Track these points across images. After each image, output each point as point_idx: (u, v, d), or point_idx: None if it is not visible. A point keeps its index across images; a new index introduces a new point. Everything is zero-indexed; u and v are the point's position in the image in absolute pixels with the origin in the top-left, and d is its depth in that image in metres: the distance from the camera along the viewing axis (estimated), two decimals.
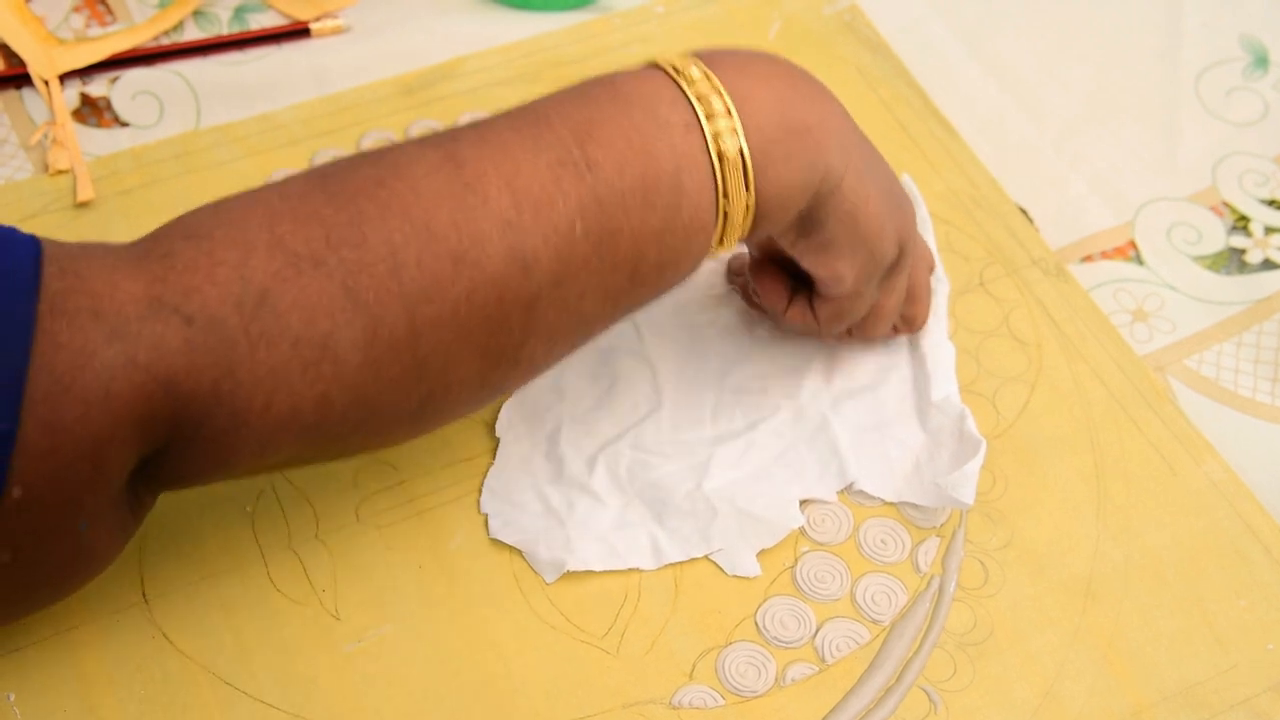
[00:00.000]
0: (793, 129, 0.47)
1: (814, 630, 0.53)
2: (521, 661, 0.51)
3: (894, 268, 0.53)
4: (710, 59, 0.47)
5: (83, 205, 0.62)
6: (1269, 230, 0.67)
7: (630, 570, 0.54)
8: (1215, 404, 0.61)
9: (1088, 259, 0.65)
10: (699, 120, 0.45)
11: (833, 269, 0.51)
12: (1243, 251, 0.66)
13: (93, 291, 0.39)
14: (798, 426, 0.57)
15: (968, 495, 0.54)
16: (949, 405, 0.57)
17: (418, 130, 0.66)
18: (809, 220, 0.49)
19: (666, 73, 0.46)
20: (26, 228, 0.59)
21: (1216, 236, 0.67)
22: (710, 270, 0.61)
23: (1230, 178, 0.69)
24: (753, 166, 0.46)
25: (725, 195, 0.46)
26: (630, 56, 0.70)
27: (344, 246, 0.41)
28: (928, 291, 0.58)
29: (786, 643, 0.53)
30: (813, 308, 0.54)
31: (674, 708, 0.51)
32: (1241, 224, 0.67)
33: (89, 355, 0.38)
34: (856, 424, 0.57)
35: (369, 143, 0.65)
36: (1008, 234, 0.65)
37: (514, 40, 0.70)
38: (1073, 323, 0.62)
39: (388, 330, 0.41)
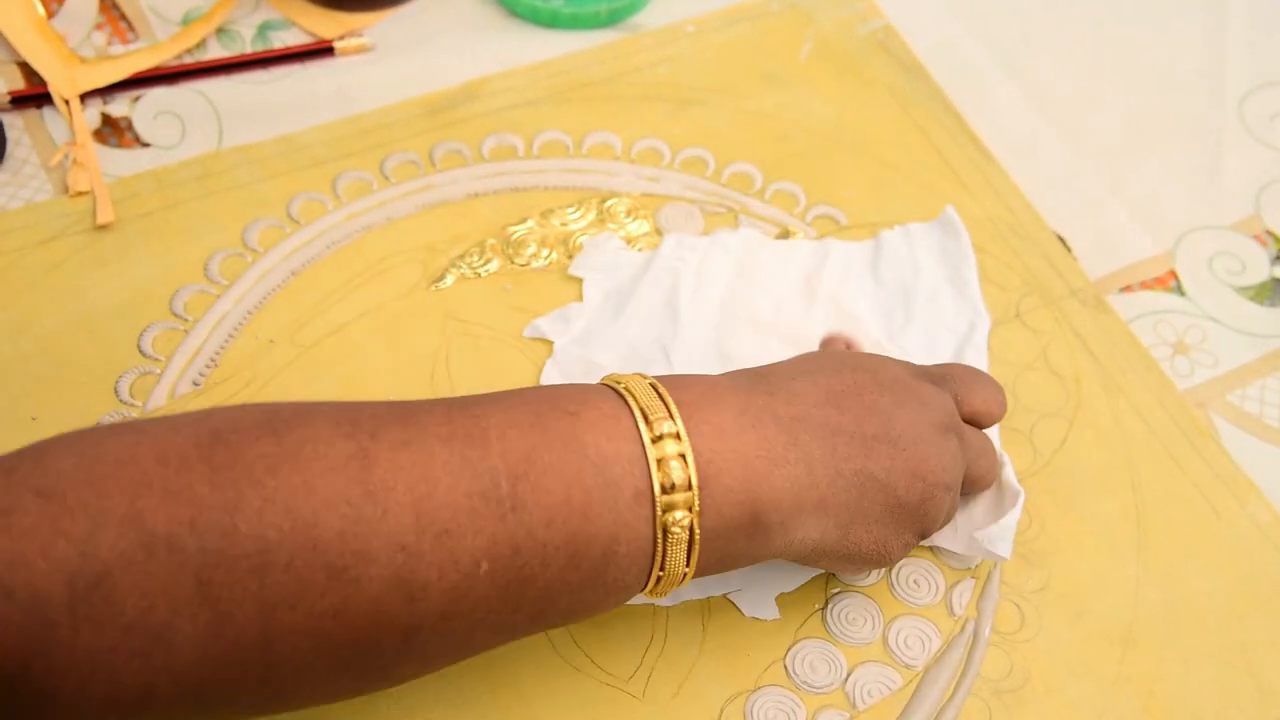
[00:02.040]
0: (755, 514, 0.43)
1: (845, 675, 0.51)
2: (546, 705, 0.50)
3: (946, 486, 0.48)
4: (691, 409, 0.43)
5: (103, 227, 0.61)
6: None
7: (655, 609, 0.52)
8: (1259, 441, 0.59)
9: (1127, 289, 0.64)
10: (652, 490, 0.41)
11: (855, 571, 0.49)
12: None
13: None
14: None
15: (1005, 549, 0.52)
16: None
17: (441, 153, 0.65)
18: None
19: (635, 418, 0.42)
20: (46, 250, 0.60)
21: (1260, 266, 0.65)
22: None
23: (1275, 205, 0.67)
24: (700, 546, 0.42)
25: (661, 567, 0.43)
26: (659, 77, 0.68)
27: (209, 534, 0.37)
28: (989, 445, 0.53)
29: (817, 688, 0.51)
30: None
31: None
32: None
33: None
34: None
35: (391, 166, 0.64)
36: (1045, 263, 0.63)
37: (540, 60, 0.69)
38: (1112, 356, 0.61)
39: (236, 631, 0.37)
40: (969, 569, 0.54)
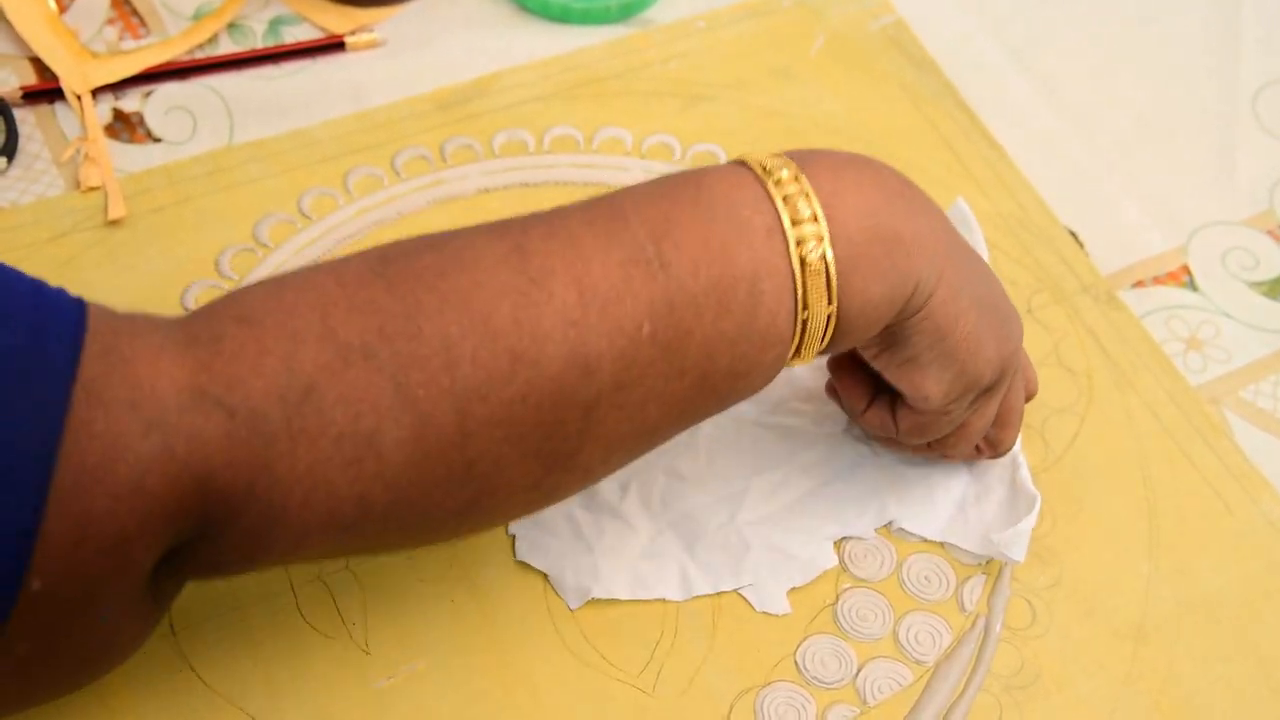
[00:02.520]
0: (883, 238, 0.44)
1: (855, 670, 0.51)
2: (556, 700, 0.50)
3: (989, 390, 0.49)
4: (803, 159, 0.45)
5: (114, 223, 0.61)
6: None
7: (665, 604, 0.52)
8: (1272, 437, 0.59)
9: (1139, 284, 0.64)
10: (782, 225, 0.43)
11: (918, 386, 0.48)
12: None
13: (134, 377, 0.37)
14: (837, 461, 0.55)
15: (1019, 553, 0.52)
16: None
17: (452, 149, 0.65)
18: (894, 335, 0.46)
19: (755, 171, 0.44)
20: (57, 246, 0.60)
21: (1273, 262, 0.65)
22: None
23: None
24: (836, 276, 0.43)
25: (804, 305, 0.43)
26: (670, 73, 0.68)
27: (398, 339, 0.39)
28: (1019, 416, 0.53)
29: (827, 683, 0.51)
30: (894, 413, 0.51)
31: None
32: None
33: (123, 447, 0.36)
34: (898, 460, 0.55)
35: (402, 161, 0.64)
36: (1057, 259, 0.63)
37: (551, 55, 0.69)
38: (1124, 352, 0.60)
39: (436, 429, 0.39)
40: (980, 564, 0.54)
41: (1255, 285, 0.64)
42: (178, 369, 0.37)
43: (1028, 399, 0.54)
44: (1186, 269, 0.64)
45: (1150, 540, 0.55)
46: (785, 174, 0.44)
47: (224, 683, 0.49)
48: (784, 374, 0.56)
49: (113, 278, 0.59)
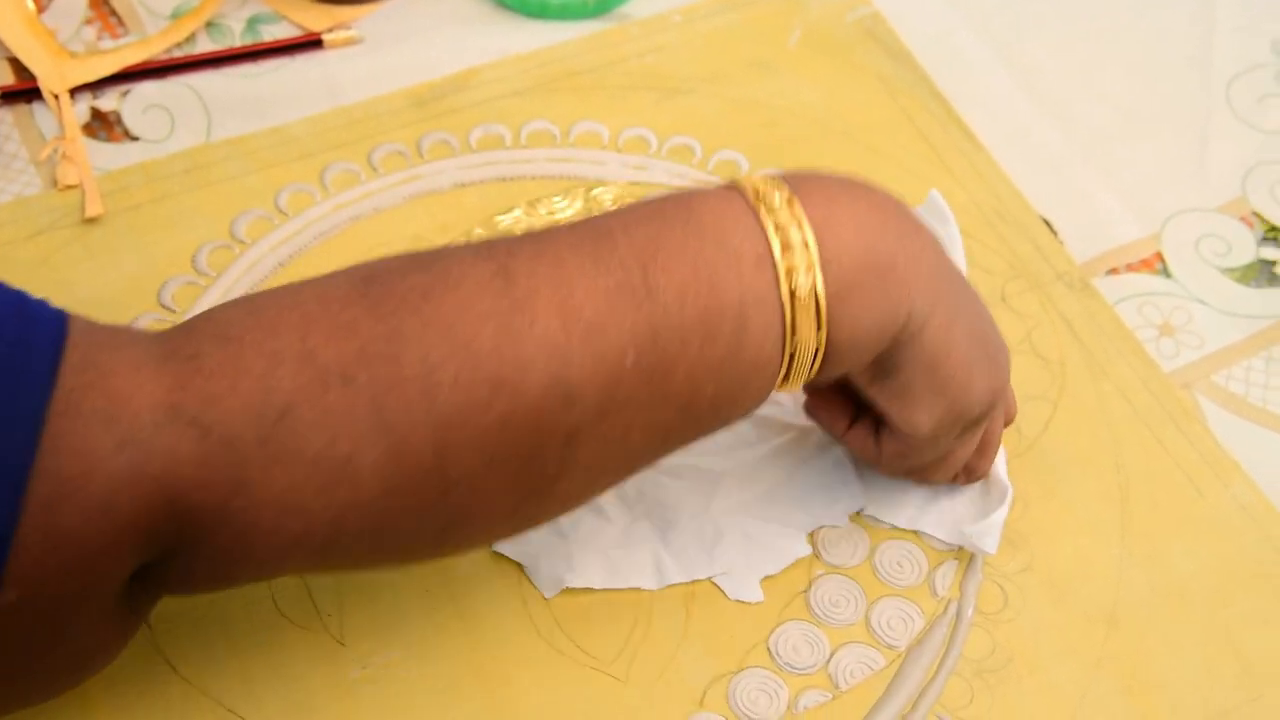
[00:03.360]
0: (876, 268, 0.43)
1: (828, 656, 0.52)
2: (530, 689, 0.50)
3: (977, 421, 0.49)
4: (797, 183, 0.44)
5: (91, 221, 0.61)
6: None
7: (639, 592, 0.53)
8: (1245, 422, 0.59)
9: (1113, 272, 0.64)
10: (772, 254, 0.42)
11: (908, 416, 0.47)
12: (1273, 263, 0.64)
13: (111, 391, 0.37)
14: (811, 449, 0.56)
15: (991, 545, 0.52)
16: None
17: (429, 144, 0.65)
18: (886, 364, 0.46)
19: (746, 197, 0.43)
20: (34, 244, 0.60)
21: (1246, 248, 0.65)
22: None
23: (1261, 187, 0.67)
24: (826, 307, 0.43)
25: (793, 334, 0.43)
26: (646, 66, 0.69)
27: (378, 362, 0.38)
28: (998, 443, 0.53)
29: (799, 669, 0.51)
30: (877, 437, 0.51)
31: None
32: (1272, 234, 0.65)
33: (97, 462, 0.36)
34: None
35: (379, 157, 0.64)
36: (1031, 247, 0.63)
37: (528, 50, 0.69)
38: (1097, 339, 0.61)
39: (413, 455, 0.39)
40: (952, 550, 0.54)
41: (1227, 271, 0.64)
42: (155, 385, 0.37)
43: (1006, 424, 0.54)
44: (1160, 256, 0.65)
45: (1122, 525, 0.55)
46: (778, 199, 0.43)
47: (200, 675, 0.50)
48: None
49: (90, 276, 0.59)
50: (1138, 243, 0.65)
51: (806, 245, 0.42)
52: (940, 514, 0.54)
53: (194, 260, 0.60)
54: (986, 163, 0.66)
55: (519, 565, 0.53)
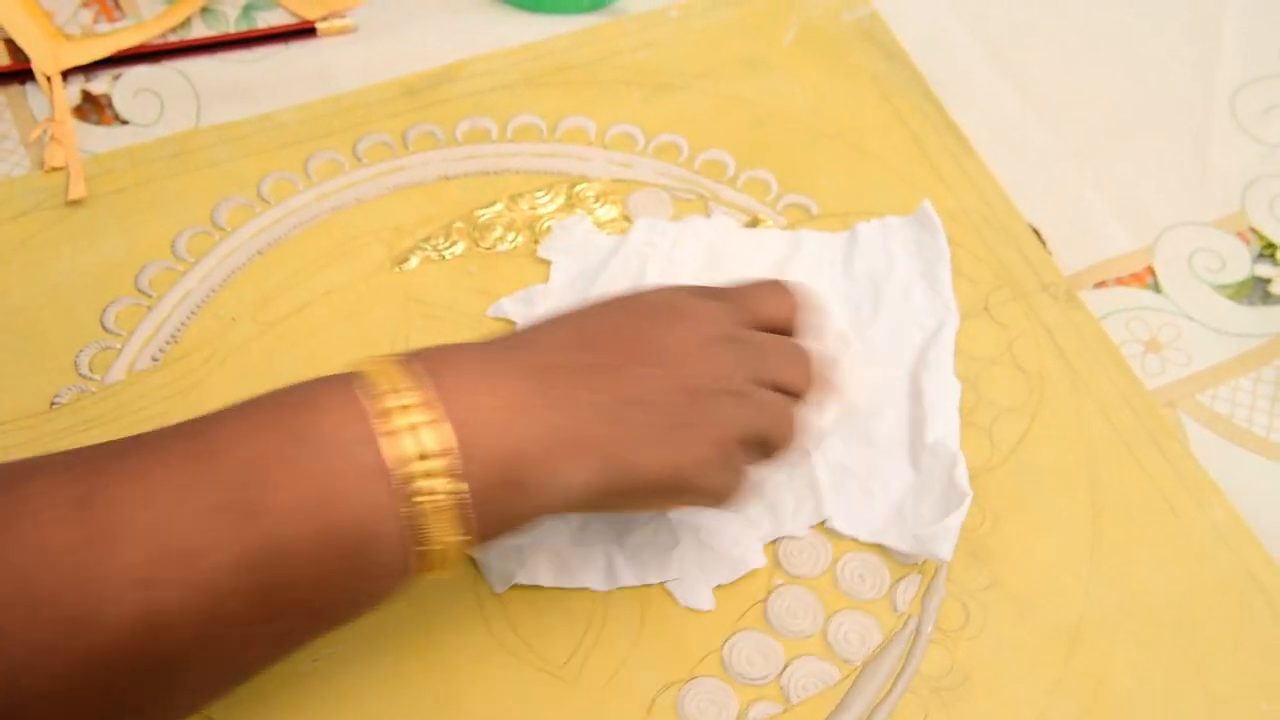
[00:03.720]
0: (511, 468, 0.41)
1: (781, 668, 0.51)
2: (479, 687, 0.50)
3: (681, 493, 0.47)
4: (440, 370, 0.41)
5: (75, 203, 0.61)
6: None
7: (594, 595, 0.52)
8: (1227, 443, 0.58)
9: (1102, 284, 0.63)
10: (399, 464, 0.39)
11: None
12: (1268, 281, 0.63)
13: None
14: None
15: (945, 550, 0.52)
16: (942, 448, 0.55)
17: (415, 135, 0.65)
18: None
19: (373, 397, 0.40)
20: (16, 225, 0.61)
21: (1241, 264, 0.64)
22: None
23: (1260, 202, 0.66)
24: (464, 512, 0.40)
25: (424, 543, 0.40)
26: (638, 62, 0.68)
27: None
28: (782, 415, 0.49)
29: (751, 679, 0.51)
30: None
31: None
32: (1269, 251, 0.64)
33: None
34: (840, 459, 0.55)
35: (364, 147, 0.64)
36: (1018, 256, 0.62)
37: (521, 43, 0.69)
38: (1080, 353, 0.60)
39: None
40: (915, 565, 0.54)
41: (1220, 288, 0.63)
42: None
43: (776, 451, 0.49)
44: (1151, 270, 0.63)
45: (1093, 543, 0.54)
46: (403, 400, 0.40)
47: None
48: None
49: (69, 257, 0.60)
50: (1129, 255, 0.64)
51: (433, 454, 0.40)
52: (904, 527, 0.53)
53: (173, 246, 0.60)
54: (978, 169, 0.65)
55: (473, 561, 0.53)
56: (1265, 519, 0.55)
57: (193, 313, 0.59)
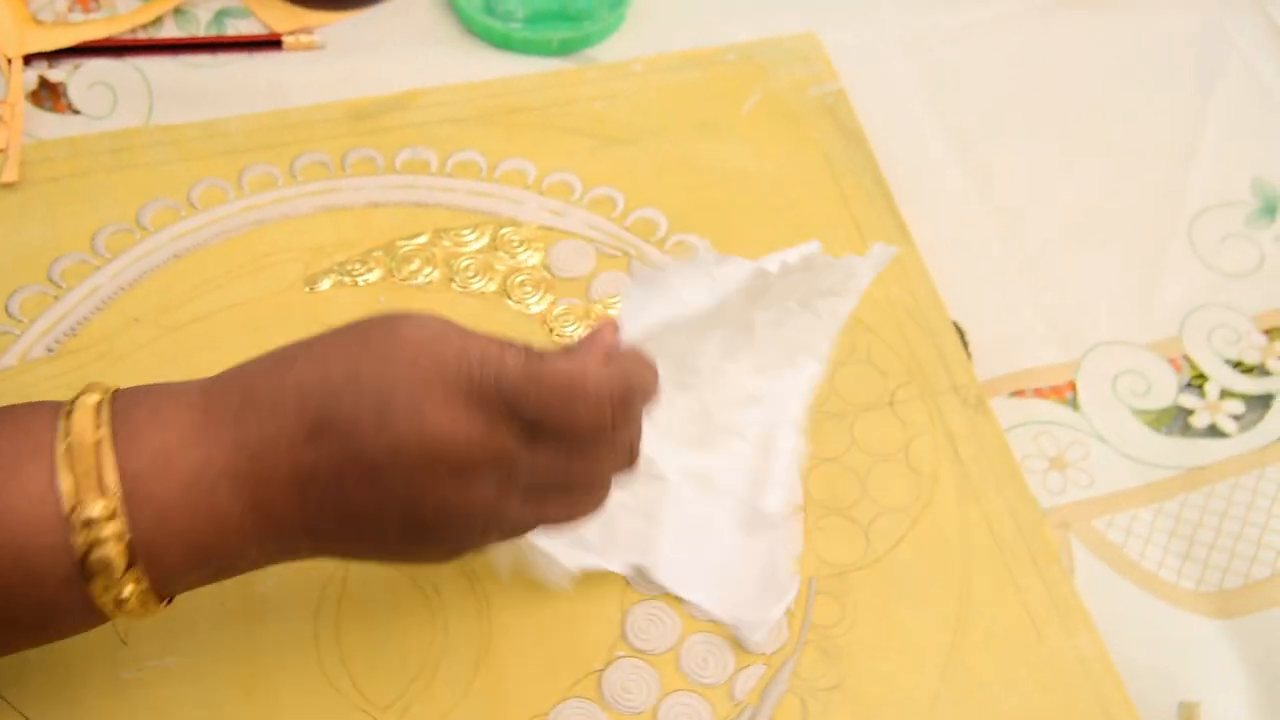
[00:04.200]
0: (213, 563, 0.40)
1: None
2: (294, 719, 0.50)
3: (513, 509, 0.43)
4: (130, 409, 0.40)
5: (6, 186, 0.62)
6: (1225, 394, 0.62)
7: (433, 643, 0.52)
8: (1113, 573, 0.56)
9: (1019, 393, 0.61)
10: (64, 505, 0.38)
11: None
12: (1190, 412, 0.61)
13: None
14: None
15: (758, 639, 0.51)
16: (775, 521, 0.53)
17: (354, 159, 0.65)
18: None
19: (58, 431, 0.39)
20: None
21: (1166, 391, 0.62)
22: None
23: (1200, 330, 0.64)
24: (137, 561, 0.39)
25: (91, 589, 0.39)
26: (595, 111, 0.68)
27: None
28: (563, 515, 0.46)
29: None
30: None
31: None
32: (1198, 382, 0.62)
33: None
34: (680, 502, 0.54)
35: (302, 164, 0.64)
36: (934, 354, 0.61)
37: (482, 79, 0.69)
38: (977, 460, 0.58)
39: None
40: (763, 655, 0.52)
41: (1140, 413, 0.61)
42: None
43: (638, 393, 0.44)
44: (1073, 385, 0.62)
45: (947, 657, 0.53)
46: (90, 437, 0.39)
47: None
48: None
49: None
50: (1053, 367, 0.62)
51: (114, 498, 0.38)
52: (724, 595, 0.52)
53: (93, 240, 0.61)
54: (912, 260, 0.64)
55: (320, 594, 0.52)
56: (1134, 655, 0.54)
57: (98, 308, 0.59)
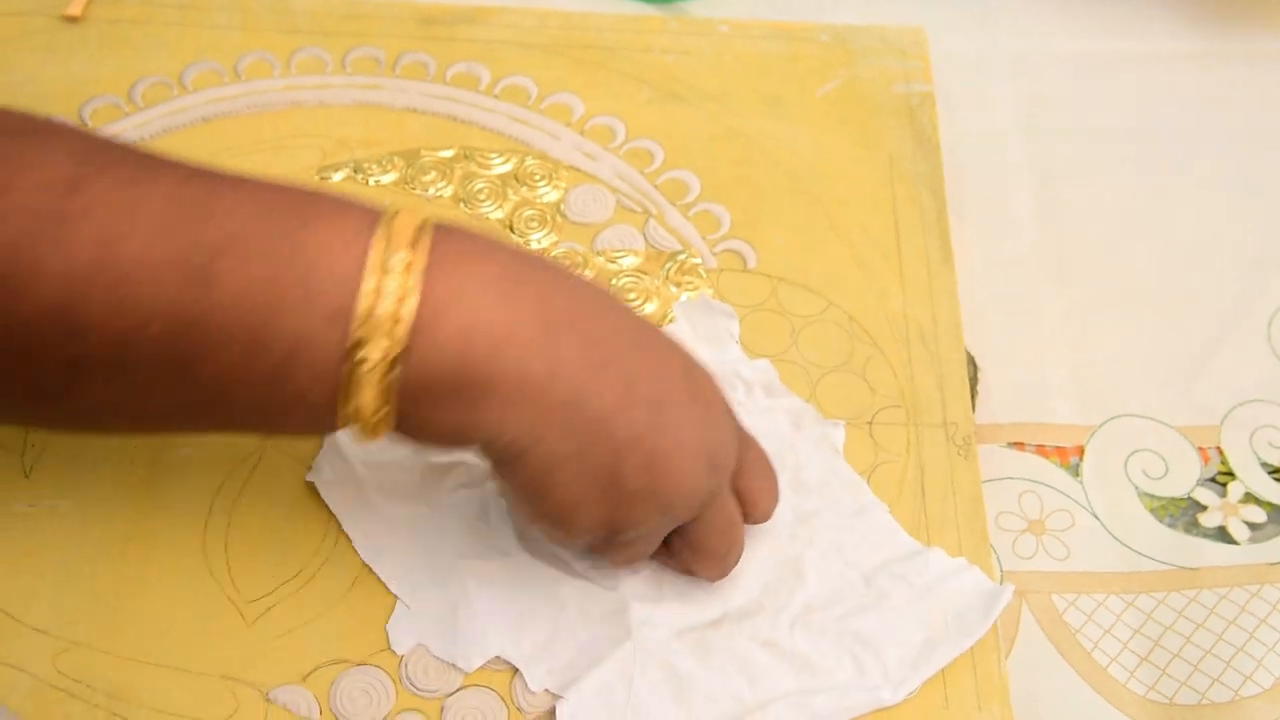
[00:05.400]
0: (472, 379, 0.39)
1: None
2: (162, 592, 0.49)
3: (609, 543, 0.45)
4: (445, 244, 0.39)
5: (69, 19, 0.63)
6: (1248, 498, 0.55)
7: (319, 549, 0.51)
8: (1057, 655, 0.51)
9: (1017, 445, 0.56)
10: (351, 315, 0.38)
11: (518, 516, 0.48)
12: (1203, 509, 0.55)
13: None
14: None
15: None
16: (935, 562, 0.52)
17: (407, 61, 0.64)
18: (492, 463, 0.43)
19: (373, 241, 0.39)
20: (8, 22, 0.63)
21: (1185, 480, 0.56)
22: None
23: (1244, 425, 0.57)
24: (397, 396, 0.39)
25: (348, 400, 0.39)
26: (664, 64, 0.65)
27: None
28: (714, 553, 0.48)
29: (420, 691, 0.48)
30: None
31: (269, 701, 0.48)
32: (1223, 479, 0.56)
33: None
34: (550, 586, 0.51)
35: (354, 56, 0.64)
36: (934, 383, 0.57)
37: (562, 9, 0.67)
38: (944, 502, 0.54)
39: None
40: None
41: (1147, 496, 0.55)
42: None
43: (756, 520, 0.49)
44: (1080, 450, 0.56)
45: None
46: (400, 260, 0.38)
47: None
48: None
49: (35, 69, 0.62)
50: (1064, 427, 0.57)
51: (397, 322, 0.38)
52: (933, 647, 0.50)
53: (131, 88, 0.62)
54: (946, 282, 0.59)
55: (216, 491, 0.51)
56: None
57: None
